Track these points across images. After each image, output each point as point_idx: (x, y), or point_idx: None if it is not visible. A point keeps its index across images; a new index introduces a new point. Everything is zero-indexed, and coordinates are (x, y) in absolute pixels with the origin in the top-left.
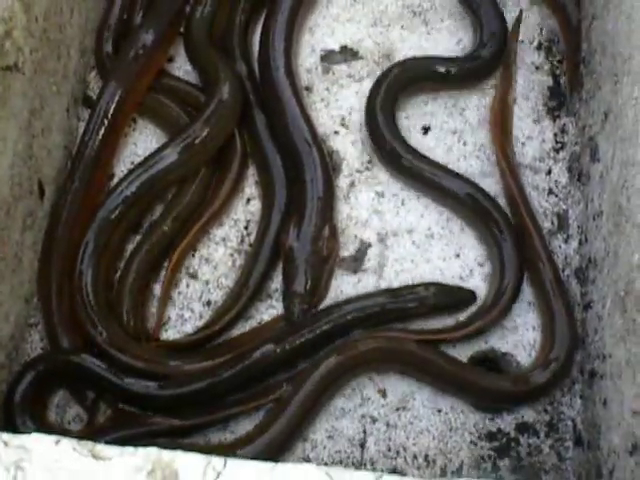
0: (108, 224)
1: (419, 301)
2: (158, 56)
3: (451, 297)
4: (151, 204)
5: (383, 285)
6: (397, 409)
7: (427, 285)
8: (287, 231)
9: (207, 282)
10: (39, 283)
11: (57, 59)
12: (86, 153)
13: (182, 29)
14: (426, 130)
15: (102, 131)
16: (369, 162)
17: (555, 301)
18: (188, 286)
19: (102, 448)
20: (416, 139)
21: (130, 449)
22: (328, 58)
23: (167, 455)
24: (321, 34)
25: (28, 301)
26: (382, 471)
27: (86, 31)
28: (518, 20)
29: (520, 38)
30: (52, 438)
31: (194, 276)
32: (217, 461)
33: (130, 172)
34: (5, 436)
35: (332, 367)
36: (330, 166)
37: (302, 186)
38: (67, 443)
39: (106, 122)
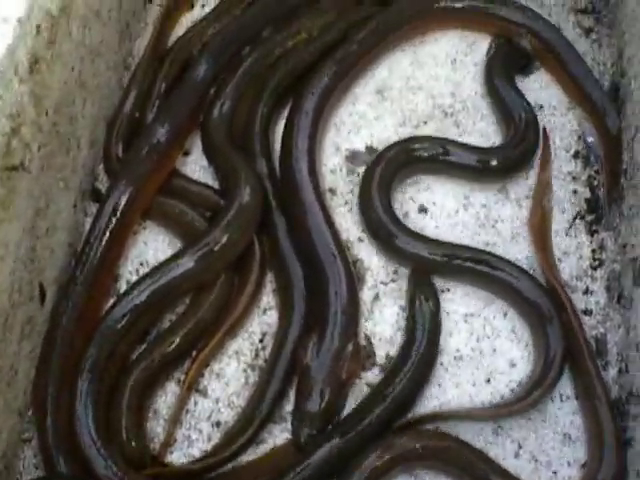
0: (114, 334)
1: None
2: (171, 153)
3: None
4: (162, 313)
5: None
6: None
7: None
8: (305, 347)
9: (217, 400)
10: (34, 395)
11: (66, 153)
12: (91, 256)
13: (200, 124)
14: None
15: (109, 233)
16: (395, 272)
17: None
18: (196, 404)
19: None
20: None
21: None
22: (353, 158)
23: None
24: (347, 132)
25: (22, 414)
26: None
27: (98, 120)
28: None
29: (556, 145)
30: None
31: (203, 393)
32: None
33: (142, 278)
34: None
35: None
36: (355, 278)
37: (324, 299)
38: None
39: (113, 223)
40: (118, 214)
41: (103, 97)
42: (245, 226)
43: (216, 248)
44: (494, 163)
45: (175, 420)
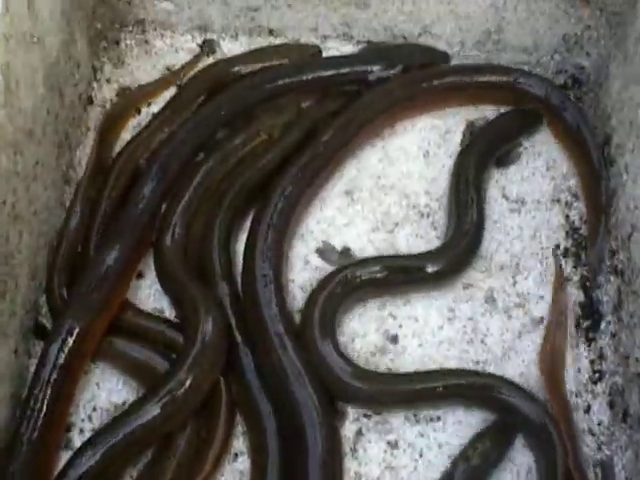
0: None
1: None
2: (123, 282)
3: None
4: (125, 468)
5: None
6: None
7: None
8: None
9: None
10: None
11: (2, 298)
12: (36, 408)
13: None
14: None
15: (55, 379)
16: None
17: None
18: None
19: None
20: None
21: None
22: (324, 253)
23: None
24: (314, 243)
25: None
26: None
27: (38, 249)
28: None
29: (543, 245)
30: None
31: None
32: None
33: (97, 434)
34: None
35: None
36: (333, 417)
37: (300, 444)
38: None
39: (60, 368)
40: (66, 356)
41: (42, 222)
42: (210, 366)
43: (180, 393)
44: (430, 270)
45: None
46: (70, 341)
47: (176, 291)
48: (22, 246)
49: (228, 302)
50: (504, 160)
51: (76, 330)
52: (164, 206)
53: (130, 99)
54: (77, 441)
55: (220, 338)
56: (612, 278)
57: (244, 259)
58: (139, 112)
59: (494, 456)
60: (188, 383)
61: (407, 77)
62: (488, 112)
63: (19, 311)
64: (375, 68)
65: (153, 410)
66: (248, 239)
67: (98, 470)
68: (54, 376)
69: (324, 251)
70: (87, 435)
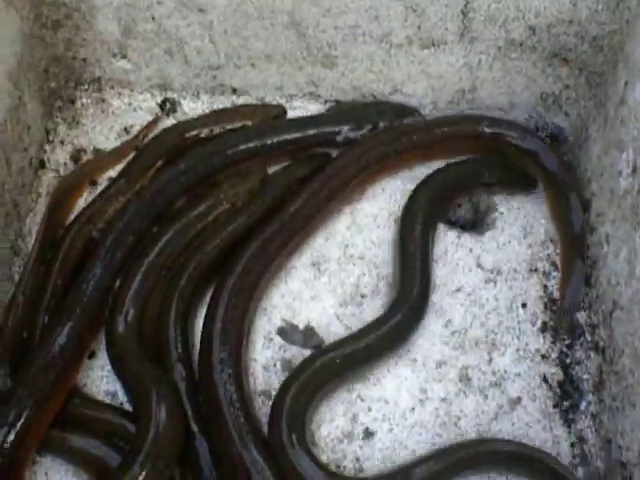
0: None
1: None
2: (72, 368)
3: None
4: None
5: None
6: None
7: None
8: None
9: None
10: None
11: None
12: None
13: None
14: None
15: None
16: None
17: None
18: None
19: None
20: None
21: None
22: (286, 335)
23: None
24: (279, 318)
25: None
26: None
27: None
28: None
29: (520, 318)
30: None
31: None
32: None
33: None
34: None
35: None
36: None
37: None
38: None
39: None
40: (10, 447)
41: None
42: (165, 458)
43: None
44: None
45: None
46: (15, 431)
47: (128, 376)
48: None
49: (184, 387)
50: (478, 226)
51: (21, 420)
52: (117, 282)
53: (86, 170)
54: None
55: (175, 427)
56: (592, 354)
57: (201, 342)
58: (94, 184)
59: None
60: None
61: (376, 138)
62: None
63: None
64: (343, 129)
65: None
66: (205, 320)
67: None
68: None
69: (286, 331)
70: None
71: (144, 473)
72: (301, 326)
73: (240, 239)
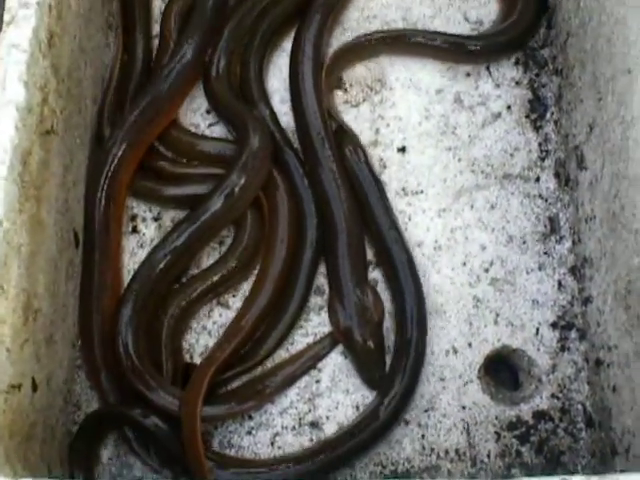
0: (153, 275)
1: None
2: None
3: None
4: (196, 255)
5: None
6: (426, 410)
7: None
8: (336, 314)
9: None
10: (80, 327)
11: (79, 113)
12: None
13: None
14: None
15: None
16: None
17: None
18: (221, 315)
19: None
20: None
21: None
22: None
23: None
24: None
25: (74, 345)
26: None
27: (96, 80)
28: None
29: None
30: None
31: (225, 305)
32: None
33: (179, 223)
34: None
35: None
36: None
37: (333, 248)
38: None
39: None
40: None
41: (96, 58)
42: (259, 167)
43: (237, 189)
44: None
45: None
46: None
47: (226, 111)
48: (87, 74)
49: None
50: None
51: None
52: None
53: None
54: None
55: (265, 145)
56: (554, 78)
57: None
58: None
59: None
60: (242, 181)
61: None
62: None
63: (89, 127)
64: None
65: (216, 203)
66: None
67: (179, 252)
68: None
69: None
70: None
71: (244, 177)
72: None
73: None
